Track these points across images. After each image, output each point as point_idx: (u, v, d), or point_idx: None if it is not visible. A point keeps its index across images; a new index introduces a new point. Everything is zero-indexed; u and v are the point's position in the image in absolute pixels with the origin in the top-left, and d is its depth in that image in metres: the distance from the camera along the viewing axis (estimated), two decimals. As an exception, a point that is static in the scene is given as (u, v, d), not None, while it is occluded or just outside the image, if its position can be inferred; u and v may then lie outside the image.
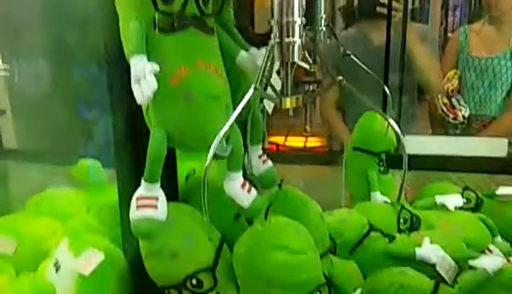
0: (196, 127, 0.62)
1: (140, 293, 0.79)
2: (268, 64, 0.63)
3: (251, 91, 0.61)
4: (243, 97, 0.75)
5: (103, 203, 0.90)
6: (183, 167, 0.96)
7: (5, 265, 0.82)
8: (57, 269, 0.71)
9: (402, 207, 1.05)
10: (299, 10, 0.59)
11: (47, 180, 1.26)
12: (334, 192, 1.28)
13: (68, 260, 0.70)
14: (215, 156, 0.80)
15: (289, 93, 0.66)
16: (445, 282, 0.82)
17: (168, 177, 0.74)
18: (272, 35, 0.60)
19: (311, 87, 3.35)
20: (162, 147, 0.61)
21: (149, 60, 0.58)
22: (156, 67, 0.57)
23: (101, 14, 0.70)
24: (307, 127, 3.88)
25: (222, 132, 0.61)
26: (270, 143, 1.21)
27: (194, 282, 0.69)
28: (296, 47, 0.61)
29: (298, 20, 0.58)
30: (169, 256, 0.68)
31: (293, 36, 0.59)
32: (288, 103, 0.66)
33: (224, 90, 0.66)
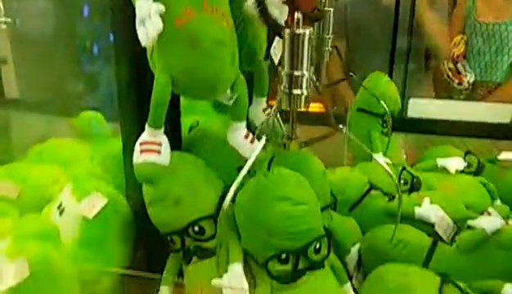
0: (201, 72, 0.61)
1: (142, 240, 0.81)
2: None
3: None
4: (248, 49, 0.75)
5: (106, 152, 0.90)
6: (186, 120, 0.96)
7: (9, 207, 0.83)
8: (61, 213, 0.71)
9: (403, 168, 1.05)
10: (307, 64, 0.60)
11: (48, 131, 1.26)
12: (336, 153, 1.28)
13: (71, 203, 0.70)
14: (219, 104, 0.79)
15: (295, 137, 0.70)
16: (443, 241, 0.83)
17: (172, 128, 0.74)
18: (282, 86, 0.61)
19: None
20: (166, 91, 0.60)
21: (154, 0, 0.57)
22: (162, 7, 0.56)
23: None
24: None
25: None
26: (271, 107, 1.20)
27: (196, 229, 0.71)
28: (303, 98, 0.62)
29: (306, 73, 0.59)
30: (172, 202, 0.69)
31: (301, 88, 0.61)
32: (293, 146, 0.68)
33: (231, 37, 0.65)
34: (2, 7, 1.37)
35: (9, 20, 1.36)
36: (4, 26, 1.37)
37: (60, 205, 0.72)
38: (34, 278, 0.55)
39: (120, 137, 0.84)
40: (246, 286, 0.66)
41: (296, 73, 0.60)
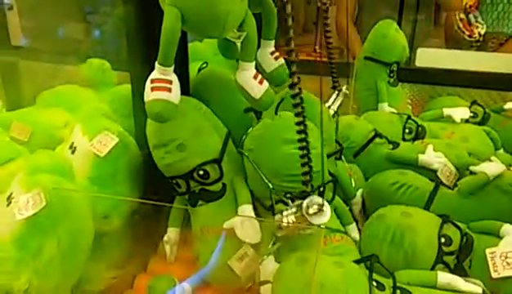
0: (210, 7, 0.60)
1: (150, 182, 0.82)
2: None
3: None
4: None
5: (115, 95, 0.91)
6: (194, 66, 0.96)
7: (21, 149, 0.85)
8: (73, 151, 0.73)
9: (409, 117, 1.06)
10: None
11: (55, 79, 1.26)
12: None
13: (83, 142, 0.72)
14: (226, 48, 0.79)
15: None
16: (445, 186, 0.85)
17: (181, 72, 0.75)
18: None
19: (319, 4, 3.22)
20: (176, 26, 0.60)
21: None
22: None
23: None
24: (317, 48, 3.80)
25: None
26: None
27: (201, 173, 0.72)
28: None
29: None
30: (177, 147, 0.70)
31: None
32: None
33: (241, -26, 0.64)
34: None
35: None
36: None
37: (72, 144, 0.74)
38: (50, 209, 0.58)
39: (127, 84, 0.84)
40: (257, 225, 0.69)
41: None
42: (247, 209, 0.71)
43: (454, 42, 1.78)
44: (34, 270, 0.58)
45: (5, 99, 1.29)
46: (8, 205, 0.60)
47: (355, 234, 0.76)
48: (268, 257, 0.63)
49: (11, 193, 0.61)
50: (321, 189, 0.70)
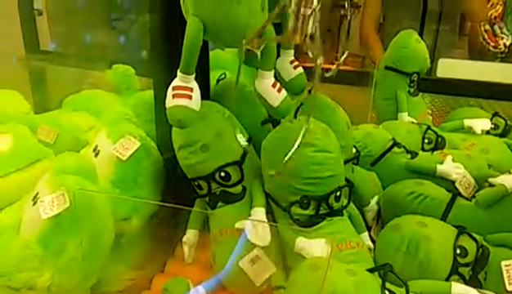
0: (232, 18, 0.62)
1: (170, 186, 0.85)
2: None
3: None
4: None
5: (138, 101, 0.94)
6: (214, 75, 0.98)
7: (47, 151, 0.88)
8: (97, 154, 0.76)
9: (428, 127, 1.06)
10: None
11: (81, 83, 1.30)
12: (361, 112, 1.29)
13: (107, 145, 0.74)
14: (246, 57, 0.81)
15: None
16: (462, 197, 0.84)
17: (202, 80, 0.77)
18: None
19: (342, 12, 3.23)
20: (198, 36, 0.62)
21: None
22: None
23: None
24: (338, 55, 3.80)
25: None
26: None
27: (222, 174, 0.74)
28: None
29: None
30: (201, 148, 0.72)
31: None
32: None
33: (262, -13, 0.66)
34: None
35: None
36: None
37: (96, 147, 0.76)
38: (73, 209, 0.60)
39: (150, 90, 0.87)
40: (268, 229, 0.70)
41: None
42: (259, 212, 0.72)
43: (478, 53, 1.76)
44: (56, 268, 0.61)
45: (33, 102, 1.33)
46: (34, 204, 0.63)
47: (367, 243, 0.76)
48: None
49: (37, 193, 0.64)
50: (338, 193, 0.71)
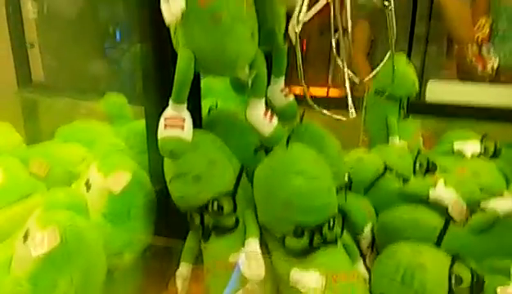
0: (222, 48, 0.63)
1: (164, 217, 0.84)
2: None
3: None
4: (268, 28, 0.77)
5: (130, 131, 0.94)
6: (206, 103, 0.99)
7: (39, 185, 0.87)
8: (88, 188, 0.75)
9: (419, 151, 1.07)
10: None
11: (74, 113, 1.30)
12: (352, 137, 1.30)
13: (98, 179, 0.74)
14: (238, 85, 0.82)
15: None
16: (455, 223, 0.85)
17: (193, 107, 0.77)
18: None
19: (335, 36, 3.28)
20: (190, 66, 0.63)
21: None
22: None
23: None
24: (329, 79, 3.83)
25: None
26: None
27: (215, 205, 0.73)
28: None
29: None
30: (193, 179, 0.72)
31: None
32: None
33: (250, 14, 0.67)
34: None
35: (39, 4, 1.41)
36: (34, 13, 1.42)
37: (88, 181, 0.76)
38: (65, 246, 0.59)
39: (142, 118, 0.87)
40: (262, 261, 0.69)
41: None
42: (253, 243, 0.72)
43: (467, 74, 1.79)
44: (48, 306, 0.60)
45: (24, 133, 1.33)
46: (25, 241, 0.62)
47: (363, 272, 0.75)
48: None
49: (28, 230, 0.63)
50: (331, 223, 0.71)
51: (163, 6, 0.58)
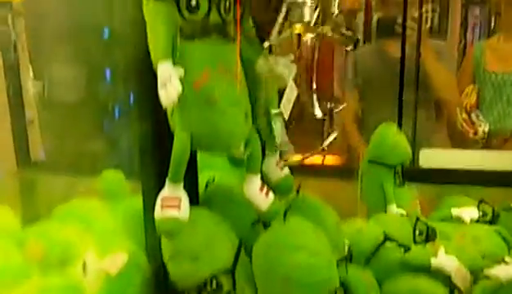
0: (217, 129, 0.65)
1: (161, 296, 0.82)
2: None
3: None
4: (261, 105, 0.80)
5: (127, 210, 0.94)
6: (203, 176, 1.00)
7: (33, 268, 0.86)
8: (85, 270, 0.74)
9: (418, 218, 1.06)
10: None
11: (72, 191, 1.31)
12: (349, 206, 1.30)
13: (95, 261, 0.73)
14: (234, 159, 0.83)
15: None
16: (460, 292, 0.83)
17: (190, 184, 0.78)
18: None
19: (329, 105, 3.39)
20: (186, 148, 0.64)
21: (174, 65, 0.62)
22: (181, 71, 0.61)
23: (129, 26, 0.74)
24: (325, 147, 3.89)
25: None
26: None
27: (214, 284, 0.72)
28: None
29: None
30: (190, 257, 0.71)
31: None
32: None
33: (244, 95, 0.70)
34: (31, 73, 1.47)
35: (40, 83, 1.46)
36: (33, 90, 1.46)
37: (84, 263, 0.75)
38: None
39: (140, 194, 0.87)
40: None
41: None
42: None
43: (460, 140, 1.82)
44: None
45: (22, 213, 1.32)
46: None
47: None
48: None
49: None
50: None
51: (161, 92, 0.61)
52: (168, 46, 0.64)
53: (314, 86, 1.12)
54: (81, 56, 1.78)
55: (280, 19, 0.73)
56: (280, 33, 0.80)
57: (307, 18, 0.79)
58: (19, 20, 1.50)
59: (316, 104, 1.26)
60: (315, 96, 1.35)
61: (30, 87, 1.56)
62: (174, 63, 0.63)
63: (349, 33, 1.06)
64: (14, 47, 1.48)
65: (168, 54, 0.63)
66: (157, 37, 0.65)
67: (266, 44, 0.72)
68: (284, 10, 0.80)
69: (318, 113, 1.20)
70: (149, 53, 0.69)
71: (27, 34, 1.56)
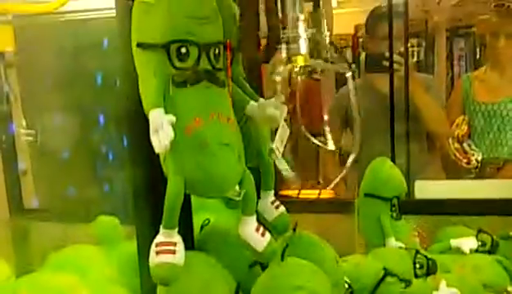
0: (210, 173, 0.65)
1: None
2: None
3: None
4: (253, 146, 0.80)
5: (122, 255, 0.92)
6: (198, 218, 0.99)
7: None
8: (79, 320, 0.72)
9: (417, 251, 1.05)
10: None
11: (66, 238, 1.29)
12: (347, 240, 1.29)
13: (89, 310, 0.71)
14: (229, 201, 0.83)
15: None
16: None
17: (185, 227, 0.77)
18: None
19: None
20: (180, 193, 0.64)
21: (166, 113, 0.63)
22: (173, 118, 0.61)
23: (121, 72, 0.75)
24: (320, 180, 3.88)
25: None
26: (282, 196, 1.23)
27: (212, 330, 0.70)
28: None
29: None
30: (188, 303, 0.70)
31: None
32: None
33: (236, 138, 0.70)
34: (24, 123, 1.48)
35: (33, 132, 1.46)
36: (27, 139, 1.47)
37: (79, 312, 0.73)
38: None
39: (134, 240, 0.86)
40: None
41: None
42: None
43: (454, 170, 1.83)
44: None
45: (15, 261, 1.30)
46: None
47: None
48: None
49: None
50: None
51: (153, 138, 0.61)
52: (160, 94, 0.64)
53: (326, 118, 1.15)
54: (73, 103, 1.80)
55: (283, 54, 0.73)
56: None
57: (303, 50, 0.81)
58: (11, 71, 1.52)
59: (329, 137, 1.27)
60: (327, 129, 1.37)
61: (23, 137, 1.56)
62: (166, 109, 0.64)
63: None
64: (6, 98, 1.49)
65: (159, 102, 0.64)
66: (148, 86, 0.66)
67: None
68: (283, 46, 0.81)
69: (331, 146, 1.21)
70: (140, 99, 0.70)
71: (19, 84, 1.58)
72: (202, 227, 0.93)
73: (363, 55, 1.95)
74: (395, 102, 1.58)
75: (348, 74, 0.69)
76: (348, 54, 3.88)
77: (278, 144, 0.83)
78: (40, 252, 1.30)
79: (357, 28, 3.25)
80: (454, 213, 1.27)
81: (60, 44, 1.76)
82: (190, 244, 0.82)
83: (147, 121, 0.64)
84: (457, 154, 1.80)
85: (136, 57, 0.70)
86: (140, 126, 0.70)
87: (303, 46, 0.61)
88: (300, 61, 0.62)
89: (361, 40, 2.57)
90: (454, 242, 1.09)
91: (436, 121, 1.79)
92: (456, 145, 1.81)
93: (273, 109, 0.75)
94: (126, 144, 0.80)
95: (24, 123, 1.49)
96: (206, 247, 0.83)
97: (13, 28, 1.46)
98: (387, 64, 1.65)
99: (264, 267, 0.82)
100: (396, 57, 1.59)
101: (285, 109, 0.79)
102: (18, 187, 1.61)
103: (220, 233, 0.87)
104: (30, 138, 1.49)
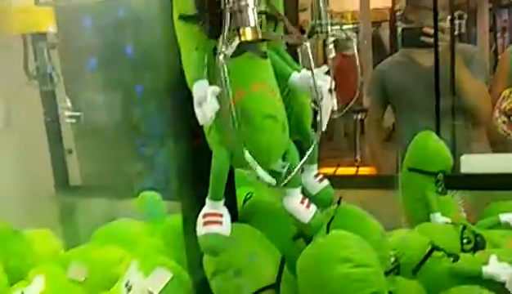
0: (255, 145, 0.64)
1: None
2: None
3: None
4: (296, 118, 0.79)
5: (167, 228, 0.94)
6: (240, 192, 0.99)
7: (77, 290, 0.87)
8: (129, 290, 0.74)
9: (464, 226, 1.02)
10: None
11: (111, 214, 1.32)
12: (389, 216, 1.26)
13: (138, 279, 0.73)
14: (272, 174, 0.82)
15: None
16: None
17: (229, 200, 0.77)
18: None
19: (359, 116, 3.36)
20: (225, 164, 0.64)
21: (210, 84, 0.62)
22: (217, 89, 0.60)
23: (162, 47, 0.75)
24: (358, 157, 3.85)
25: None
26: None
27: (259, 300, 0.71)
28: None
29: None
30: (234, 273, 0.70)
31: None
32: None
33: (280, 109, 0.69)
34: (69, 104, 1.51)
35: (76, 111, 1.50)
36: (71, 118, 1.51)
37: (128, 282, 0.75)
38: None
39: (178, 214, 0.87)
40: None
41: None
42: None
43: (501, 143, 1.76)
44: None
45: (63, 237, 1.35)
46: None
47: None
48: None
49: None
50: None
51: (197, 110, 0.61)
52: (202, 66, 0.64)
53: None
54: (115, 81, 1.83)
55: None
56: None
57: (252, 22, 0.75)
58: (53, 52, 1.55)
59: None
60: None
61: (67, 116, 1.60)
62: (209, 83, 0.63)
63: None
64: (50, 79, 1.53)
65: (202, 74, 0.63)
66: (191, 59, 0.65)
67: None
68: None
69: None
70: (182, 72, 0.70)
71: (61, 64, 1.62)
72: (245, 200, 0.94)
73: (400, 30, 1.89)
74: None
75: (305, 46, 0.66)
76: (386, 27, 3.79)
77: (322, 117, 0.81)
78: (85, 227, 1.35)
79: (394, 1, 3.16)
80: (502, 188, 1.22)
81: (99, 23, 1.78)
82: (234, 217, 0.82)
83: (190, 94, 0.64)
84: (505, 128, 1.73)
85: (178, 30, 0.69)
86: (183, 100, 0.70)
87: (252, 18, 0.58)
88: (248, 34, 0.59)
89: (398, 13, 2.48)
90: (503, 218, 1.05)
91: (478, 97, 1.73)
92: (504, 118, 1.74)
93: (318, 80, 0.73)
94: (169, 118, 0.80)
95: (67, 103, 1.52)
96: (249, 219, 0.83)
97: (53, 8, 1.48)
98: (424, 38, 1.60)
99: (308, 240, 0.82)
100: (439, 34, 1.54)
101: (329, 79, 0.77)
102: (63, 165, 1.66)
103: (263, 206, 0.87)
104: (74, 117, 1.53)
